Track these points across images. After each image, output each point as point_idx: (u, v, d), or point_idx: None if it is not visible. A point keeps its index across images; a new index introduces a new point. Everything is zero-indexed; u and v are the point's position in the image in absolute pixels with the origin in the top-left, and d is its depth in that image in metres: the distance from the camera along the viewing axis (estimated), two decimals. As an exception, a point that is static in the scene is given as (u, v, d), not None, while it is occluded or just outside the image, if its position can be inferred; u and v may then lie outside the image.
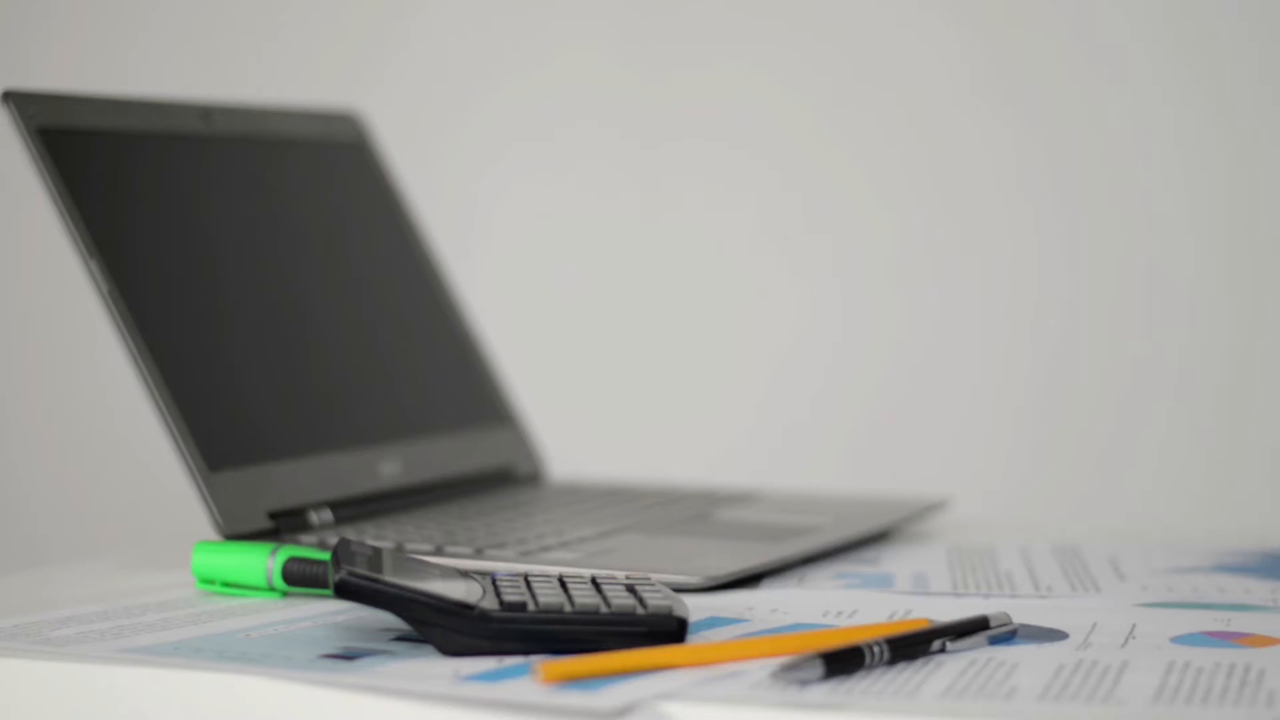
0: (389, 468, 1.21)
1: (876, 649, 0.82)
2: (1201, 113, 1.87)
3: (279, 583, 0.99)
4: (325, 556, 0.99)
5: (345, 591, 0.86)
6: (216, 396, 1.11)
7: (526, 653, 0.85)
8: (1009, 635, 0.89)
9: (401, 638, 0.89)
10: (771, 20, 1.95)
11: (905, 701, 0.78)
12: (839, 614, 0.95)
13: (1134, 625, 0.92)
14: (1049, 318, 1.91)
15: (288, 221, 1.26)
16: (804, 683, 0.80)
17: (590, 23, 1.98)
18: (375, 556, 0.91)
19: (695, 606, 0.94)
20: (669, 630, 0.86)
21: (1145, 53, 1.88)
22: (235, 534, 1.07)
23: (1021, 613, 0.92)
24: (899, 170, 1.94)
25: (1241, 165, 1.86)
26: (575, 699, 0.78)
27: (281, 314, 1.21)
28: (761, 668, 0.82)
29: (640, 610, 0.86)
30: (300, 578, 0.99)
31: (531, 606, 0.86)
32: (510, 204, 2.03)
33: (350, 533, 1.10)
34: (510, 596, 0.87)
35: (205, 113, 1.21)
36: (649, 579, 0.93)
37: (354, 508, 1.15)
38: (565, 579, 0.91)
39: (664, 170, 1.99)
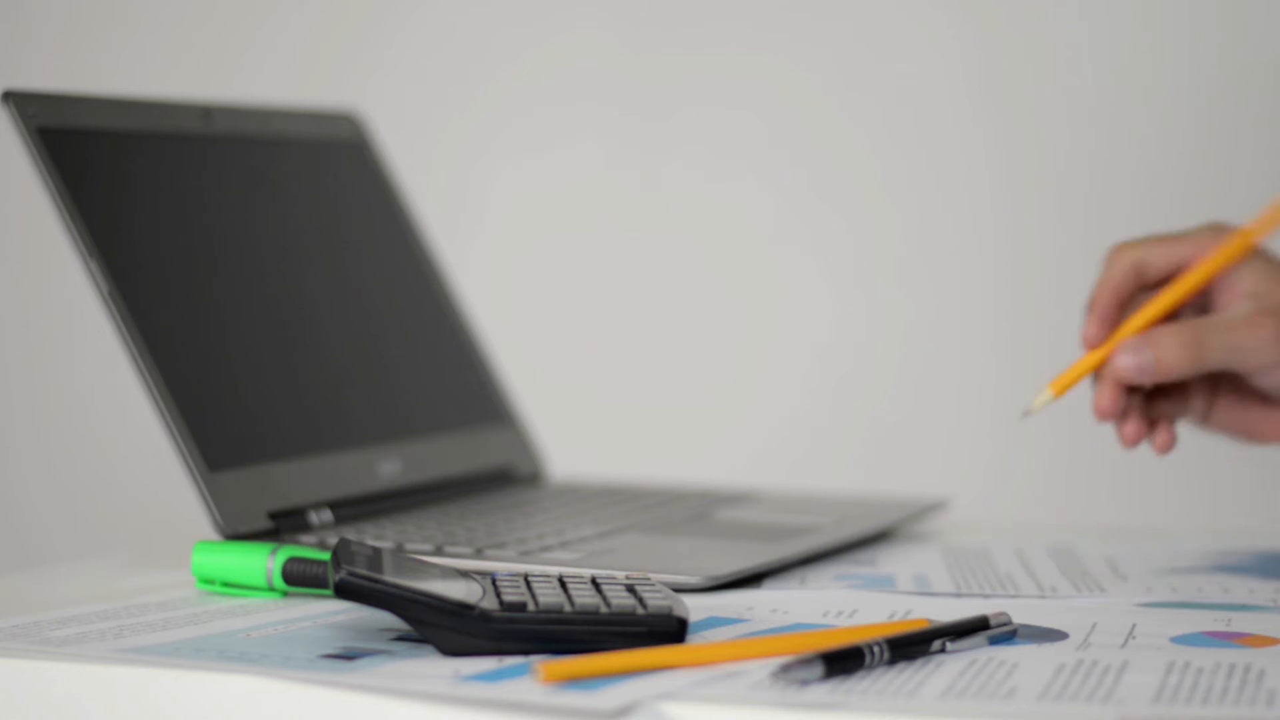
0: (389, 468, 1.21)
1: (876, 649, 0.82)
2: (1210, 110, 1.87)
3: (279, 583, 0.99)
4: (325, 556, 0.99)
5: (345, 591, 0.86)
6: (216, 396, 1.11)
7: (526, 653, 0.85)
8: (1009, 635, 0.89)
9: (401, 638, 0.89)
10: (773, 2, 1.95)
11: (905, 701, 0.78)
12: (839, 614, 0.95)
13: (1134, 625, 0.92)
14: (1048, 319, 1.91)
15: (288, 221, 1.26)
16: (804, 683, 0.80)
17: (594, 10, 1.98)
18: (375, 556, 0.91)
19: (695, 606, 0.94)
20: (669, 630, 0.86)
21: (1155, 50, 1.88)
22: (235, 534, 1.07)
23: (1021, 613, 0.92)
24: (903, 171, 1.94)
25: (1244, 164, 1.86)
26: (575, 699, 0.78)
27: (281, 314, 1.21)
28: (761, 668, 0.82)
29: (640, 610, 0.86)
30: (300, 578, 0.99)
31: (531, 606, 0.86)
32: (510, 203, 2.02)
33: (350, 533, 1.10)
34: (510, 596, 0.87)
35: (205, 113, 1.21)
36: (649, 579, 0.93)
37: (354, 508, 1.15)
38: (565, 579, 0.91)
39: (666, 173, 1.99)
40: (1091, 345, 1.06)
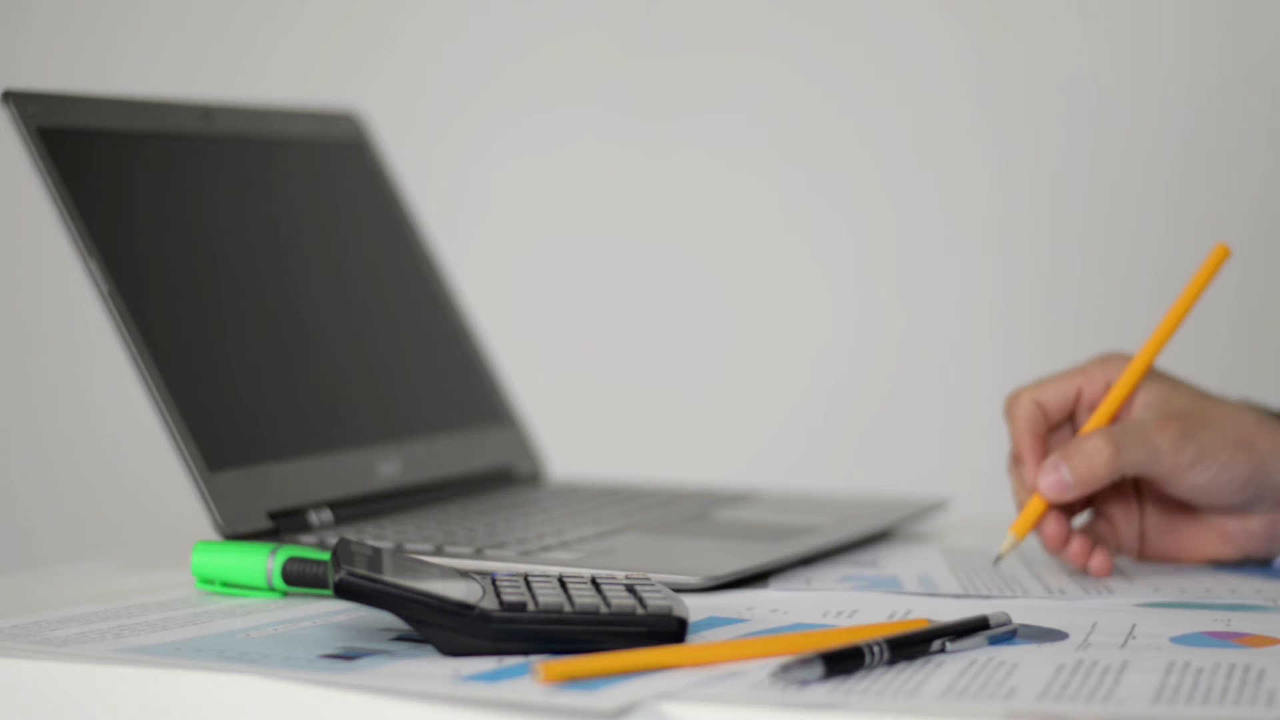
0: (389, 468, 1.21)
1: (876, 649, 0.82)
2: (1206, 113, 1.87)
3: (279, 583, 0.99)
4: (325, 556, 0.99)
5: (345, 591, 0.86)
6: (216, 396, 1.11)
7: (526, 653, 0.85)
8: (1009, 635, 0.89)
9: (401, 638, 0.89)
10: (771, 4, 1.95)
11: (905, 701, 0.78)
12: (839, 614, 0.95)
13: (1134, 625, 0.92)
14: (1046, 319, 1.91)
15: (288, 221, 1.26)
16: (804, 683, 0.80)
17: (594, 12, 1.98)
18: (375, 556, 0.91)
19: (695, 606, 0.94)
20: (669, 630, 0.86)
21: (1150, 53, 1.88)
22: (235, 534, 1.07)
23: (1021, 613, 0.92)
24: (901, 173, 1.94)
25: (1243, 165, 1.86)
26: (575, 699, 0.78)
27: (281, 314, 1.21)
28: (761, 668, 0.82)
29: (640, 610, 0.86)
30: (300, 578, 0.99)
31: (531, 606, 0.86)
32: (510, 203, 2.03)
33: (350, 533, 1.10)
34: (510, 596, 0.87)
35: (205, 113, 1.21)
36: (649, 579, 0.93)
37: (354, 508, 1.15)
38: (565, 579, 0.91)
39: (666, 174, 1.99)
40: (1035, 485, 1.08)
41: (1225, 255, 1.08)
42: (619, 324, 2.02)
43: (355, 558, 0.89)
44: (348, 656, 0.85)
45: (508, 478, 1.31)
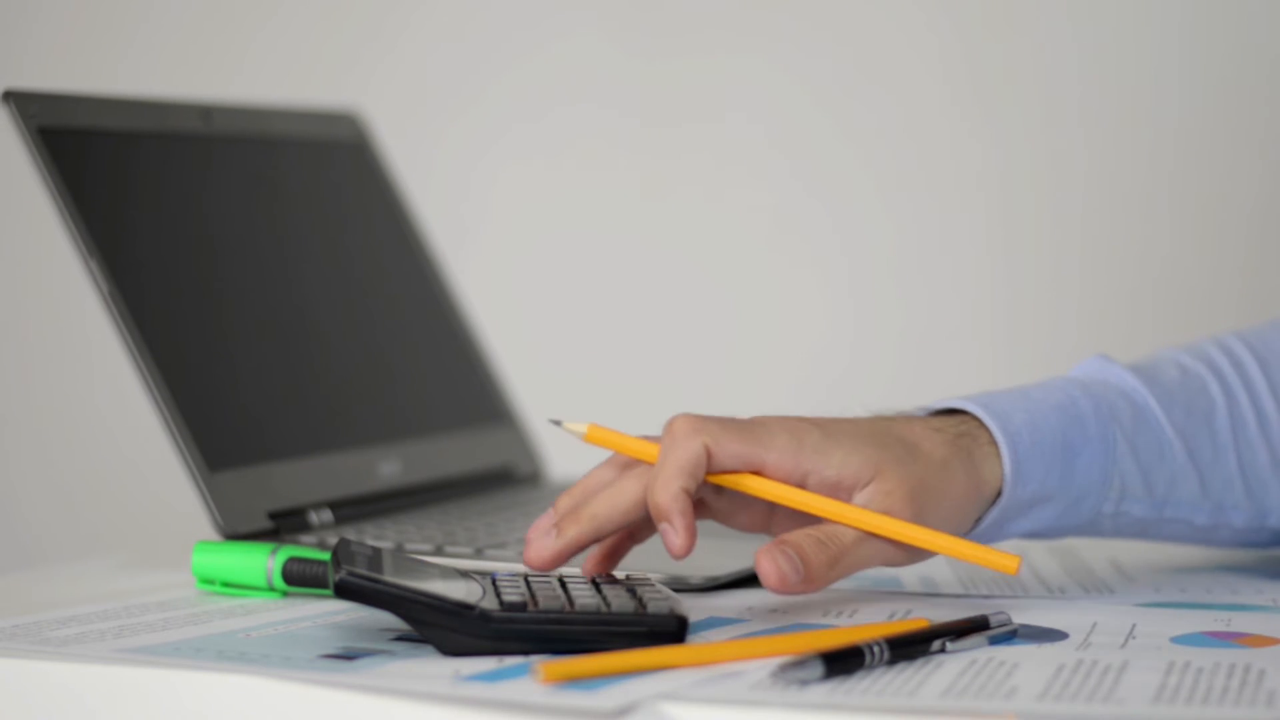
0: (389, 468, 1.21)
1: (876, 649, 0.82)
2: (1202, 109, 1.87)
3: (279, 583, 0.99)
4: (325, 556, 0.99)
5: (345, 591, 0.86)
6: (216, 396, 1.11)
7: (526, 653, 0.85)
8: (1009, 635, 0.89)
9: (401, 638, 0.89)
10: (769, 7, 1.95)
11: (905, 701, 0.78)
12: (839, 614, 0.95)
13: (1134, 625, 0.92)
14: (1043, 320, 1.91)
15: (288, 221, 1.26)
16: (804, 683, 0.80)
17: (594, 14, 1.98)
18: (375, 556, 0.91)
19: (695, 606, 0.94)
20: (669, 630, 0.86)
21: (1144, 51, 1.88)
22: (235, 534, 1.07)
23: (1021, 613, 0.92)
24: (900, 175, 1.94)
25: (1240, 162, 1.86)
26: (575, 699, 0.78)
27: (282, 314, 1.21)
28: (761, 668, 0.82)
29: (641, 610, 0.86)
30: (300, 578, 0.99)
31: (531, 607, 0.86)
32: (510, 204, 2.03)
33: (350, 533, 1.10)
34: (510, 596, 0.87)
35: (205, 113, 1.21)
36: (649, 579, 0.93)
37: (354, 508, 1.15)
38: (565, 579, 0.91)
39: (665, 174, 1.99)
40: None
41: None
42: (619, 324, 2.02)
43: (355, 558, 0.89)
44: (348, 656, 0.85)
45: (508, 478, 1.31)
